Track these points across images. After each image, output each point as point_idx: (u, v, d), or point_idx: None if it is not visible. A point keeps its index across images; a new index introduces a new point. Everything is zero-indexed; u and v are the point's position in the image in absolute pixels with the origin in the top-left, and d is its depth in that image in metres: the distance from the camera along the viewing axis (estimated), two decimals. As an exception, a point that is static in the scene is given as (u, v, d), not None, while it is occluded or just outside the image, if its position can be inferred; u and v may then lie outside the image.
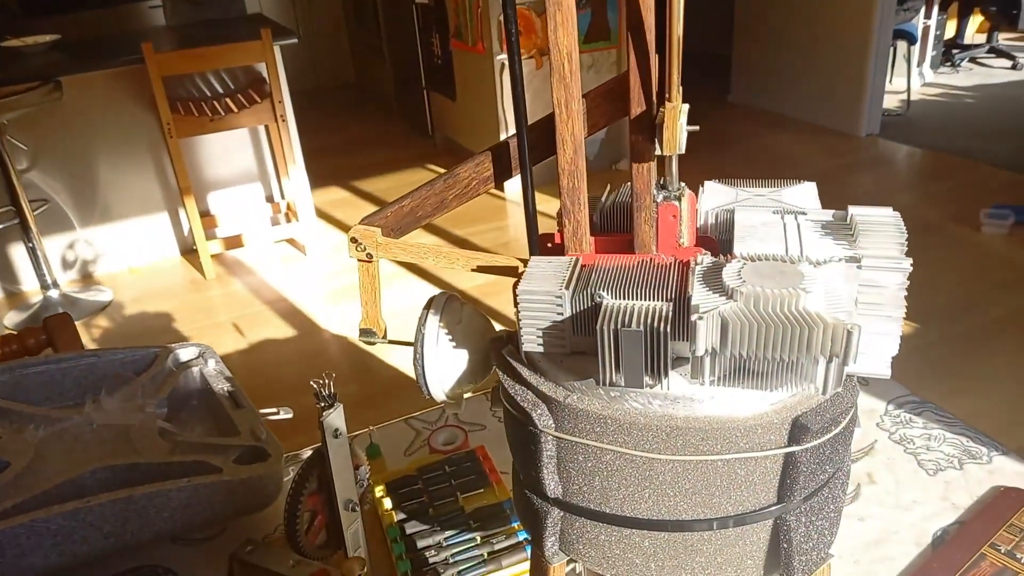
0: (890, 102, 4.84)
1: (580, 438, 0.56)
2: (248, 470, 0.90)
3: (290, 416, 1.07)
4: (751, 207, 0.63)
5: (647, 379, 0.52)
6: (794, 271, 0.51)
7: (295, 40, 3.36)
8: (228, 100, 3.33)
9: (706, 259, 0.56)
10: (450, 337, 0.67)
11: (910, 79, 4.89)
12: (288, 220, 3.76)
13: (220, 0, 3.79)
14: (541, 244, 0.67)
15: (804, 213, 0.61)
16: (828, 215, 0.61)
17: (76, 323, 3.02)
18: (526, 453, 0.61)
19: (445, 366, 0.66)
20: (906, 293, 0.54)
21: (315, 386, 0.76)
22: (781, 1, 4.73)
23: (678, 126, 0.56)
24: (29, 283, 3.40)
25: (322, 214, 4.01)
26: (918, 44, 4.97)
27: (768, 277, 0.51)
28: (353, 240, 0.67)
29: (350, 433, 1.12)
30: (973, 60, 5.72)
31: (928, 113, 4.79)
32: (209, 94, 3.46)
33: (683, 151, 0.59)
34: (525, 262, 0.65)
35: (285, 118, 3.35)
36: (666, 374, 0.52)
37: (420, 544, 0.90)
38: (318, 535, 0.81)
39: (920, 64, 5.29)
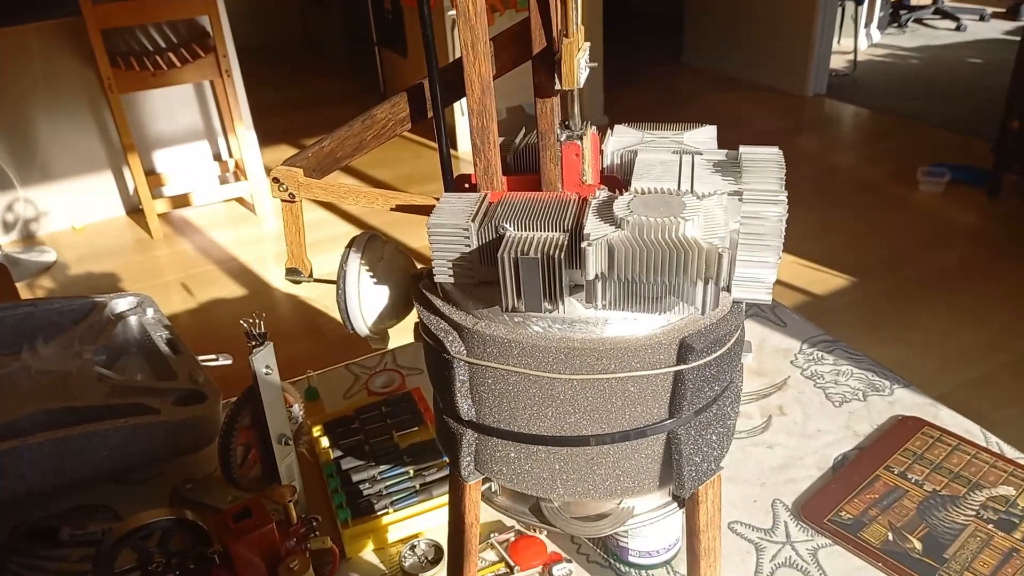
0: (838, 62, 4.93)
1: (488, 362, 0.60)
2: (186, 411, 0.93)
3: (229, 362, 1.09)
4: (653, 148, 0.67)
5: (546, 304, 0.56)
6: (678, 202, 0.55)
7: (239, -7, 3.29)
8: (171, 54, 3.25)
9: (603, 194, 0.59)
10: (371, 274, 0.70)
11: (857, 40, 4.98)
12: (237, 179, 3.72)
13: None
14: (459, 184, 0.70)
15: (700, 153, 0.65)
16: (721, 155, 0.65)
17: (19, 284, 2.96)
18: (441, 379, 0.65)
19: (367, 302, 0.70)
20: (785, 227, 0.58)
21: (245, 325, 0.79)
22: (732, -40, 4.76)
23: (576, 61, 0.59)
24: (-32, 243, 3.32)
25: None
26: (865, 5, 5.05)
27: (654, 208, 0.55)
28: (275, 180, 0.69)
29: (292, 378, 1.15)
30: (919, 21, 5.83)
31: (874, 74, 4.89)
32: (151, 48, 3.38)
33: (582, 86, 0.62)
34: (438, 198, 0.69)
35: (231, 73, 3.29)
36: (563, 299, 0.56)
37: (355, 478, 0.94)
38: (252, 468, 0.84)
39: (868, 25, 5.38)
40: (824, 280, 2.77)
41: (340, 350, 2.53)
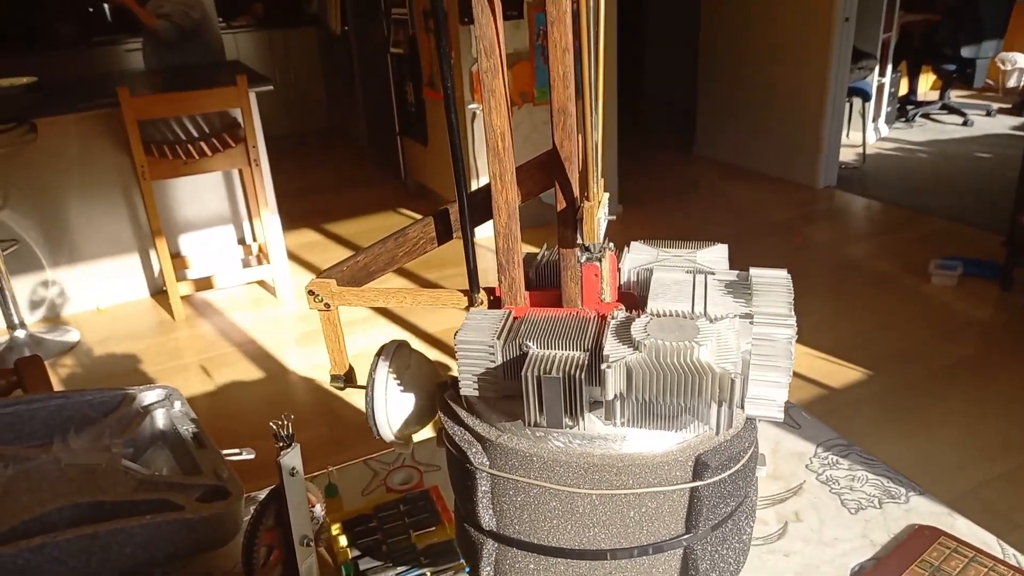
0: (847, 155, 5.04)
1: (510, 474, 0.63)
2: (209, 508, 0.95)
3: (252, 457, 1.11)
4: (668, 267, 0.71)
5: (566, 420, 0.59)
6: (692, 326, 0.58)
7: (270, 87, 3.45)
8: (202, 144, 3.39)
9: (620, 314, 0.63)
10: (399, 382, 0.73)
11: (865, 134, 5.10)
12: (259, 262, 3.80)
13: (198, 46, 3.87)
14: (487, 298, 0.74)
15: (712, 273, 0.69)
16: (732, 275, 0.69)
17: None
18: (464, 488, 0.67)
19: (394, 409, 0.73)
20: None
21: (274, 427, 0.82)
22: (741, 58, 4.94)
23: (596, 221, 0.64)
24: (-5, 322, 3.39)
25: (293, 256, 4.06)
26: (873, 100, 5.20)
27: (669, 331, 0.58)
28: (311, 293, 0.74)
29: (312, 474, 1.17)
30: (926, 116, 5.98)
31: (883, 167, 5.00)
32: (184, 137, 3.53)
33: (602, 240, 0.67)
34: (466, 292, 0.72)
35: (258, 162, 3.41)
36: (583, 416, 0.59)
37: (372, 579, 0.94)
38: (274, 569, 0.85)
39: (875, 119, 5.53)
40: (839, 372, 2.77)
41: (357, 435, 2.54)
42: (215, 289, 3.63)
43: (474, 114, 4.08)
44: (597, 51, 0.61)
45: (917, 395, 2.62)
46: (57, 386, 2.93)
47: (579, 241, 0.66)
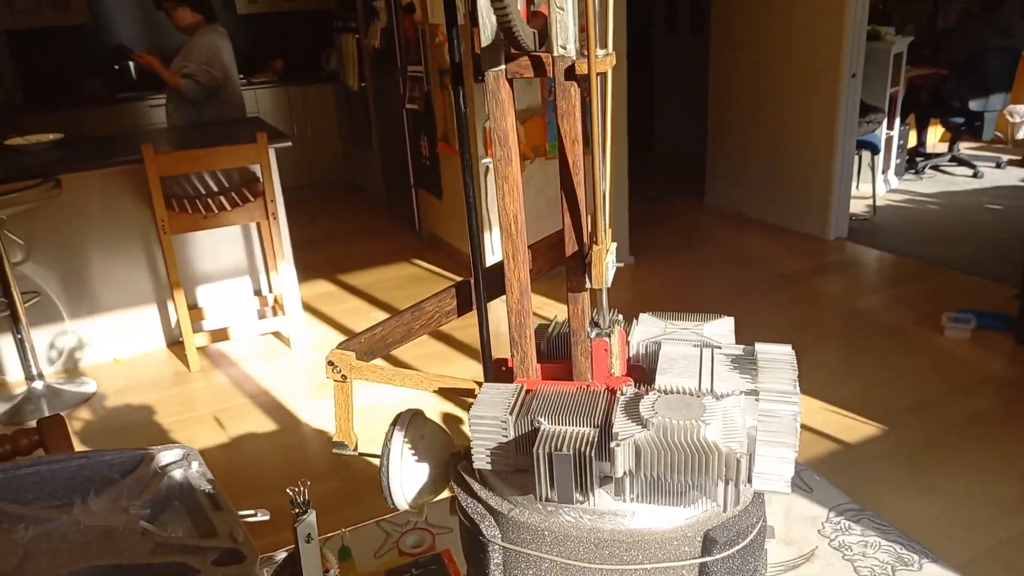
0: (857, 207, 5.07)
1: (522, 547, 0.64)
2: (224, 571, 0.96)
3: (267, 518, 1.12)
4: (676, 340, 0.73)
5: (577, 496, 0.60)
6: (698, 404, 0.60)
7: (289, 143, 3.53)
8: (222, 198, 3.47)
9: (629, 390, 0.65)
10: (413, 452, 0.75)
11: (875, 186, 5.14)
12: (275, 313, 3.85)
13: (220, 103, 3.98)
14: (496, 368, 0.76)
15: (719, 347, 0.71)
16: (739, 350, 0.71)
17: (59, 415, 3.04)
18: (476, 560, 0.68)
19: (408, 478, 0.74)
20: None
21: (291, 493, 0.83)
22: (750, 111, 5.02)
23: (604, 265, 0.66)
24: (14, 373, 3.44)
25: (308, 307, 4.10)
26: (882, 153, 5.25)
27: (677, 409, 0.60)
28: (330, 363, 0.76)
29: (325, 535, 1.18)
30: (936, 168, 6.02)
31: (894, 218, 5.02)
32: (204, 191, 3.61)
33: (610, 285, 0.69)
34: (479, 383, 0.74)
35: (276, 215, 3.48)
36: (593, 492, 0.60)
37: (385, 645, 0.95)
38: (288, 635, 0.86)
39: (885, 171, 5.57)
40: (853, 427, 2.75)
41: (369, 488, 2.53)
42: (230, 340, 3.66)
43: (487, 168, 4.15)
44: (604, 113, 0.64)
45: (933, 451, 2.60)
46: (73, 437, 2.95)
47: (587, 286, 0.68)
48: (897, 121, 5.49)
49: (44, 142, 3.54)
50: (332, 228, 5.67)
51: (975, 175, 5.78)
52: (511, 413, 0.64)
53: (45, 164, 3.25)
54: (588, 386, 0.69)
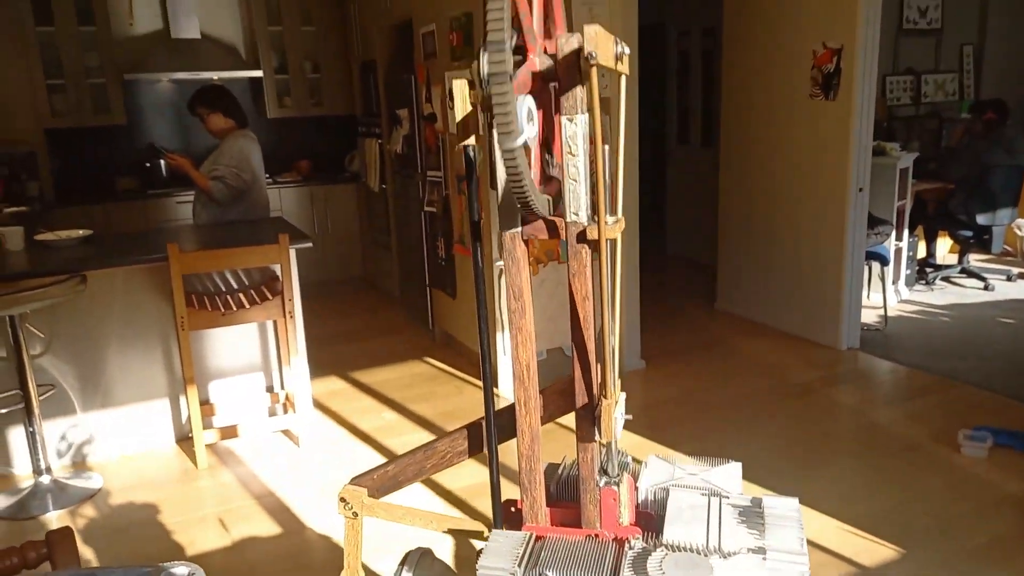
0: (869, 317, 5.09)
1: None
2: None
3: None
4: (683, 487, 0.74)
5: (584, 654, 0.60)
6: (705, 565, 0.61)
7: (310, 244, 3.63)
8: (241, 295, 3.54)
9: (638, 544, 0.66)
10: (421, 593, 0.75)
11: (886, 297, 5.17)
12: (286, 411, 3.85)
13: (247, 203, 4.12)
14: (505, 509, 0.78)
15: (727, 496, 0.72)
16: (746, 500, 0.72)
17: (63, 511, 3.02)
18: None
19: (415, 621, 0.74)
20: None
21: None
22: (759, 220, 5.13)
23: (613, 419, 0.68)
24: (21, 466, 3.43)
25: (319, 405, 4.11)
26: (891, 264, 5.31)
27: (684, 568, 0.61)
28: (342, 500, 0.77)
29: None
30: (946, 279, 6.06)
31: (906, 329, 5.02)
32: (224, 288, 3.69)
33: (619, 438, 0.71)
34: (490, 526, 0.76)
35: (293, 314, 3.54)
36: (600, 651, 0.60)
37: None
38: None
39: (895, 282, 5.62)
40: (871, 549, 2.68)
41: (369, 601, 2.47)
42: (240, 437, 3.66)
43: (500, 271, 4.23)
44: (614, 275, 0.67)
45: (953, 577, 2.52)
46: (77, 535, 2.92)
47: (596, 438, 0.70)
48: (905, 233, 5.58)
49: (74, 238, 3.65)
50: (347, 324, 5.73)
51: (986, 287, 5.81)
52: (519, 565, 0.65)
53: (73, 260, 3.35)
54: (597, 535, 0.70)
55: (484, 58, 0.83)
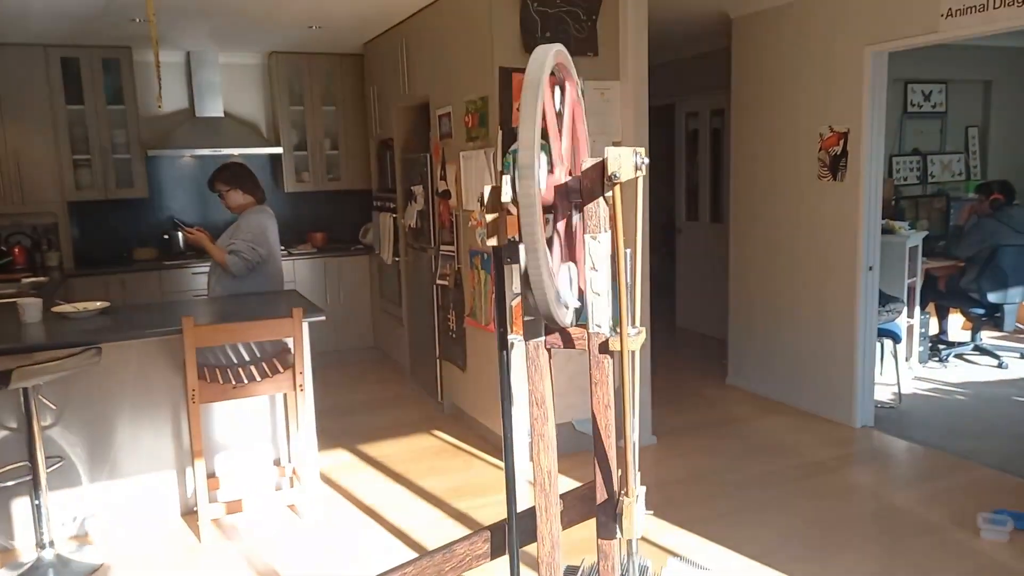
0: (883, 394, 5.04)
1: None
2: None
3: None
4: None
5: None
6: None
7: (323, 317, 3.66)
8: (252, 368, 3.56)
9: (657, 656, 0.65)
10: None
11: (899, 374, 5.13)
12: (292, 484, 3.81)
13: (262, 276, 4.17)
14: (523, 612, 0.77)
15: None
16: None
17: (64, 588, 2.94)
18: None
19: None
20: None
21: None
22: (770, 297, 5.14)
23: (634, 516, 0.69)
24: (24, 538, 3.39)
25: (325, 478, 4.06)
26: (904, 341, 5.29)
27: None
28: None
29: None
30: (960, 356, 6.02)
31: (921, 407, 4.97)
32: (235, 360, 3.71)
33: (640, 535, 0.72)
34: None
35: (303, 388, 3.54)
36: None
37: None
38: None
39: (908, 359, 5.58)
40: (891, 641, 2.59)
41: None
42: (244, 512, 3.61)
43: (512, 344, 4.23)
44: (634, 383, 0.69)
45: (979, 673, 2.42)
46: (75, 614, 2.86)
47: (618, 536, 0.70)
48: (917, 310, 5.57)
49: (91, 310, 3.70)
50: (356, 395, 5.71)
51: (1000, 365, 5.76)
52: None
53: (89, 332, 3.38)
54: (615, 645, 0.70)
55: (513, 175, 0.87)
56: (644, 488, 0.71)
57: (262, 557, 3.29)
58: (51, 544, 3.21)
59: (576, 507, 0.72)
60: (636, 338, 0.65)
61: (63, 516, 3.48)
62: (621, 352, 0.62)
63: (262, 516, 3.66)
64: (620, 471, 0.70)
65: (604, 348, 0.65)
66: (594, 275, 0.66)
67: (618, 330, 0.64)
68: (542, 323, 0.67)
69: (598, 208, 0.71)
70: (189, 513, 3.66)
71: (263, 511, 3.69)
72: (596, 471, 0.68)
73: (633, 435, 0.67)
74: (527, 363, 0.67)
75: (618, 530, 0.67)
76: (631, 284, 0.64)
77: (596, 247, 0.68)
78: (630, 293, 0.64)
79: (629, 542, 0.70)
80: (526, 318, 0.67)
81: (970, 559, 3.11)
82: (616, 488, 0.69)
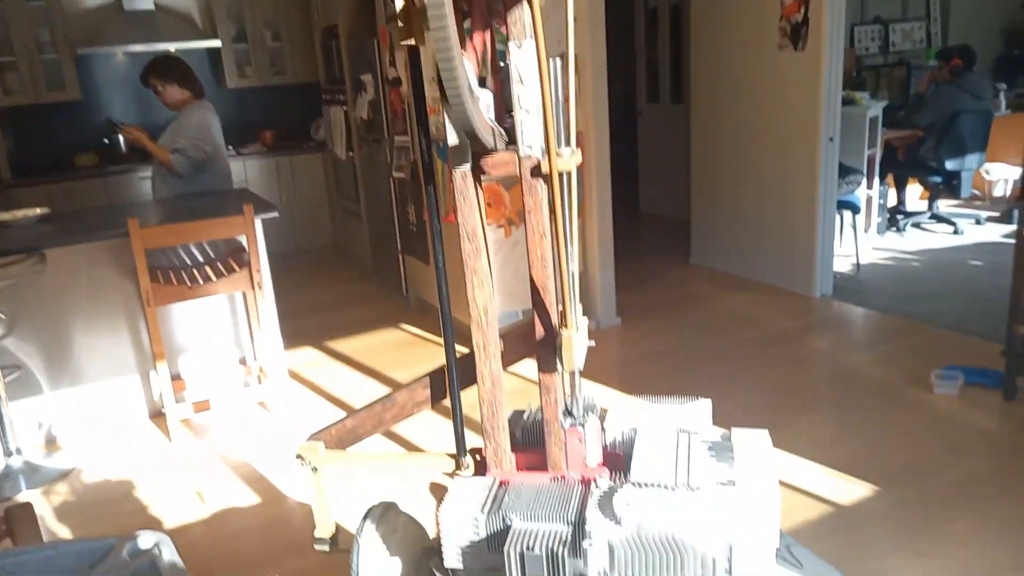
0: (842, 265, 5.12)
1: (496, 650, 0.62)
2: (193, 671, 0.92)
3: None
4: (652, 426, 0.72)
5: (551, 597, 0.58)
6: (673, 499, 0.59)
7: (275, 214, 3.56)
8: (208, 268, 3.47)
9: (604, 483, 0.63)
10: (385, 547, 0.73)
11: (858, 244, 5.20)
12: (260, 382, 3.80)
13: (209, 175, 4.01)
14: (471, 456, 0.75)
15: (696, 433, 0.70)
16: (716, 435, 0.70)
17: (36, 490, 2.97)
18: (450, 663, 0.66)
19: (379, 574, 0.72)
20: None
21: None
22: (732, 174, 5.11)
23: (574, 348, 0.65)
24: (-9, 450, 3.36)
25: (294, 375, 4.06)
26: (862, 212, 5.33)
27: (651, 504, 0.58)
28: (299, 457, 0.74)
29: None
30: (917, 226, 6.11)
31: (878, 275, 5.07)
32: (189, 262, 3.60)
33: (582, 367, 0.69)
34: (452, 455, 0.73)
35: (262, 285, 3.48)
36: (567, 592, 0.58)
37: None
38: None
39: (867, 230, 5.65)
40: (846, 488, 2.71)
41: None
42: (213, 411, 3.61)
43: (473, 233, 4.17)
44: (571, 208, 0.64)
45: (928, 512, 2.56)
46: (51, 515, 2.87)
47: (558, 369, 0.67)
48: (876, 181, 5.60)
49: (31, 217, 3.54)
50: (319, 295, 5.66)
51: (956, 232, 5.87)
52: (482, 510, 0.63)
53: (30, 238, 3.25)
54: (562, 478, 0.68)
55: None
56: (586, 320, 0.67)
57: (235, 452, 3.31)
58: (18, 451, 3.19)
59: (517, 345, 0.68)
60: (569, 159, 0.60)
61: (29, 424, 3.45)
62: (551, 174, 0.57)
63: (232, 414, 3.66)
64: (559, 306, 0.65)
65: (536, 172, 0.60)
66: (521, 90, 0.60)
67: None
68: (468, 149, 0.61)
69: (521, 10, 0.64)
70: (157, 415, 3.65)
71: (232, 409, 3.69)
72: (534, 305, 0.64)
73: (572, 265, 0.63)
74: (456, 195, 0.61)
75: (559, 364, 0.64)
76: (563, 99, 0.58)
77: (520, 56, 0.61)
78: (561, 109, 0.58)
79: (573, 376, 0.67)
80: (451, 143, 0.61)
81: (923, 413, 3.24)
82: (555, 323, 0.65)
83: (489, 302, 0.62)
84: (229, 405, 3.66)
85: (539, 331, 0.65)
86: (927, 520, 2.52)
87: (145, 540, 1.16)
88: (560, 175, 0.58)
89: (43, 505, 2.97)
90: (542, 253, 0.60)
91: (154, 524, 2.79)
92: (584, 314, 3.20)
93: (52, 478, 3.16)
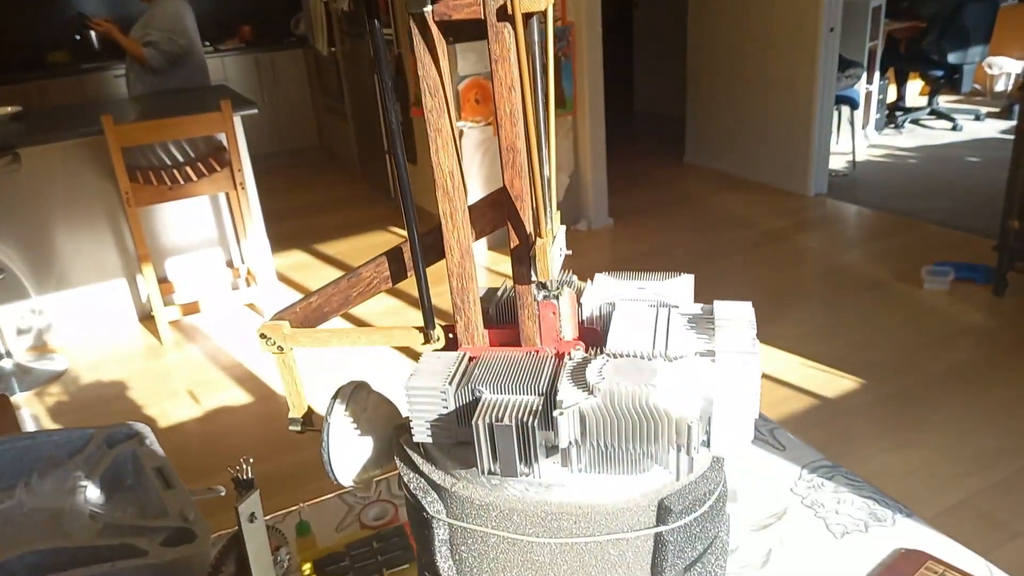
0: (837, 163, 5.04)
1: (467, 523, 0.60)
2: (174, 552, 0.92)
3: (223, 493, 1.08)
4: (631, 301, 0.69)
5: (521, 468, 0.56)
6: (649, 368, 0.56)
7: (255, 110, 3.44)
8: (188, 168, 3.38)
9: (577, 354, 0.61)
10: (355, 426, 0.71)
11: (855, 141, 5.10)
12: (248, 285, 3.78)
13: (185, 71, 3.85)
14: (444, 335, 0.72)
15: (676, 307, 0.67)
16: (696, 309, 0.67)
17: (29, 393, 2.98)
18: (421, 537, 0.65)
19: (350, 454, 0.70)
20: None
21: (232, 471, 0.79)
22: (729, 69, 4.95)
23: (548, 258, 0.61)
24: (-19, 353, 3.36)
25: (283, 278, 4.04)
26: (861, 108, 5.20)
27: (626, 374, 0.56)
28: (262, 336, 0.71)
29: (286, 509, 1.14)
30: (916, 122, 5.99)
31: (873, 173, 4.99)
32: (169, 162, 3.51)
33: (556, 276, 0.65)
34: (422, 329, 0.70)
35: (245, 185, 3.40)
36: (538, 462, 0.56)
37: (344, 622, 0.91)
38: (238, 617, 0.82)
39: (864, 126, 5.53)
40: (833, 382, 2.75)
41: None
42: (202, 313, 3.60)
43: (461, 132, 4.07)
44: (547, 85, 0.59)
45: (912, 403, 2.60)
46: (43, 415, 2.90)
47: (533, 278, 0.63)
48: (876, 75, 5.44)
49: (2, 116, 3.42)
50: (307, 197, 5.57)
51: (954, 128, 5.76)
52: (450, 383, 0.60)
53: (2, 137, 3.14)
54: (535, 351, 0.65)
55: None
56: (564, 228, 0.62)
57: (226, 353, 3.32)
58: (8, 354, 3.19)
59: (487, 215, 0.64)
60: (541, -5, 0.54)
61: (18, 328, 3.44)
62: (514, 16, 0.51)
63: (221, 316, 3.65)
64: (533, 213, 0.61)
65: (503, 14, 0.54)
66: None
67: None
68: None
69: None
70: (147, 318, 3.64)
71: (222, 311, 3.68)
72: (506, 198, 0.59)
73: (547, 168, 0.57)
74: (414, 45, 0.55)
75: (533, 273, 0.59)
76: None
77: None
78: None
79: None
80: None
81: (912, 307, 3.25)
82: (529, 230, 0.61)
83: (456, 166, 0.57)
84: (218, 307, 3.64)
85: (512, 239, 0.60)
86: (911, 410, 2.56)
87: (124, 430, 1.15)
88: (527, 17, 0.52)
89: (36, 406, 3.00)
90: (511, 109, 0.55)
91: (149, 423, 2.82)
92: (576, 214, 3.18)
93: (44, 380, 3.17)
